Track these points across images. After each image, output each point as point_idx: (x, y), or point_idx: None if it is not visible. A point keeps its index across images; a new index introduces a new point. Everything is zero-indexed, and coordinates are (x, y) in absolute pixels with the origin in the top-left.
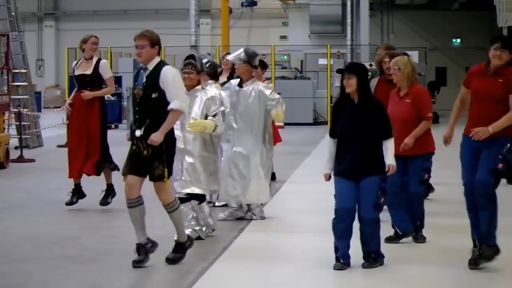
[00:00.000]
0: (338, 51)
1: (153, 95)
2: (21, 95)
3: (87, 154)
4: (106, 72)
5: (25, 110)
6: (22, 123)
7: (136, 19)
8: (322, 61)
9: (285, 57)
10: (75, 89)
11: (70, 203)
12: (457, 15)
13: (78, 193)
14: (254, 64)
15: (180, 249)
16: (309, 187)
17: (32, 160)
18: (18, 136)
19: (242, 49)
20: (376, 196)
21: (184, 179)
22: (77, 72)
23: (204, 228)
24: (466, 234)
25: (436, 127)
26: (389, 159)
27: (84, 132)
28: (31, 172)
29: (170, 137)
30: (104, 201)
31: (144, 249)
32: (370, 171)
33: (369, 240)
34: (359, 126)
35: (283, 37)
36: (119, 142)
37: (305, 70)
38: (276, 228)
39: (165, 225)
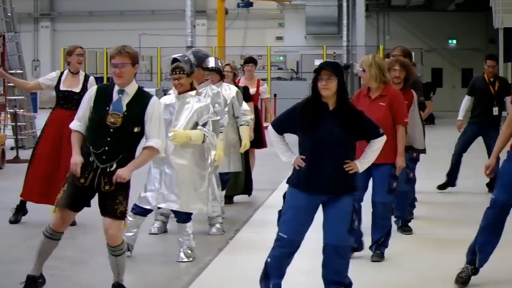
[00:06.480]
0: (334, 52)
1: (136, 129)
2: (17, 96)
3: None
4: None
5: (21, 110)
6: (18, 123)
7: (132, 20)
8: (318, 62)
9: (281, 58)
10: (53, 107)
11: (15, 221)
12: (453, 16)
13: (23, 210)
14: (205, 67)
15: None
16: None
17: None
18: (14, 137)
19: (189, 52)
20: (350, 221)
21: (161, 192)
22: (63, 88)
23: (189, 251)
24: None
25: (432, 128)
26: (362, 161)
27: (61, 156)
28: None
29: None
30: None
31: (35, 284)
32: (342, 190)
33: (340, 270)
34: (336, 137)
35: (279, 38)
36: None
37: (301, 71)
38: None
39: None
